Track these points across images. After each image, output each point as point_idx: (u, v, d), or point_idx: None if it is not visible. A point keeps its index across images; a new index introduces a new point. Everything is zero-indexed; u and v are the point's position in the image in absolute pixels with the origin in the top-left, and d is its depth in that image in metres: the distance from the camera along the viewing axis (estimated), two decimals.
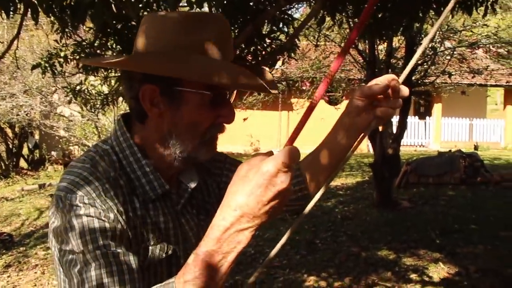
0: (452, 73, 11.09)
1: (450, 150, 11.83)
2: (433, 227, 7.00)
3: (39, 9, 2.93)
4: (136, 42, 1.13)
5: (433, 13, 4.25)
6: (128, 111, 1.21)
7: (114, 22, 3.49)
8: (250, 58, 3.92)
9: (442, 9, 3.89)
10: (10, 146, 16.98)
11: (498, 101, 34.63)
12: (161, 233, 1.13)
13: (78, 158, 1.12)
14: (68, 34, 4.54)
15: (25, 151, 17.65)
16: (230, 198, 0.85)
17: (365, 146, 19.02)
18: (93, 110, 7.97)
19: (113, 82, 5.96)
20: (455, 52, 11.53)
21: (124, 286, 0.95)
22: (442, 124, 20.31)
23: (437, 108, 20.31)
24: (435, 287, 4.95)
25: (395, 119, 8.94)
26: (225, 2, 3.47)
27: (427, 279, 5.20)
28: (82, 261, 0.95)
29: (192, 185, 1.24)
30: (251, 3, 3.67)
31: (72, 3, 2.94)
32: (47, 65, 5.29)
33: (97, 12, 2.81)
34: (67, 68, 6.98)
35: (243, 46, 3.76)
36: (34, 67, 5.36)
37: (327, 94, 17.78)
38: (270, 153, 0.87)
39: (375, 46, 8.50)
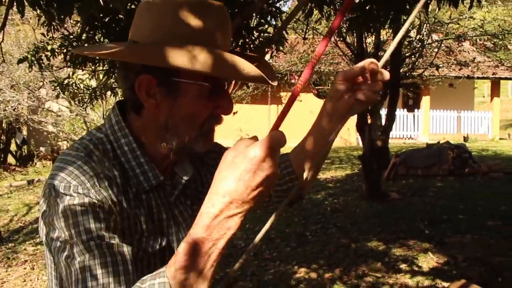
0: (440, 66, 11.15)
1: (438, 142, 11.91)
2: (422, 217, 7.05)
3: (25, 2, 2.91)
4: (132, 30, 1.10)
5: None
6: (123, 99, 1.19)
7: (101, 15, 3.47)
8: (238, 50, 3.92)
9: (428, 1, 3.91)
10: None
11: (485, 93, 34.91)
12: (154, 224, 1.13)
13: (72, 145, 1.09)
14: (55, 28, 4.51)
15: (13, 147, 17.49)
16: (218, 185, 0.85)
17: (354, 139, 19.09)
18: (81, 105, 7.92)
19: (101, 76, 5.93)
20: (442, 45, 11.60)
21: (118, 277, 0.94)
22: (431, 116, 20.42)
23: (425, 100, 20.41)
24: (424, 277, 4.99)
25: (383, 112, 8.95)
26: None
27: (416, 268, 5.24)
28: (76, 251, 0.94)
29: (186, 177, 1.23)
30: None
31: None
32: (33, 58, 5.25)
33: (84, 5, 2.79)
34: (54, 62, 6.93)
35: (231, 39, 3.75)
36: (20, 61, 5.31)
37: (316, 88, 17.80)
38: (255, 138, 0.87)
39: (363, 39, 8.52)
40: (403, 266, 5.34)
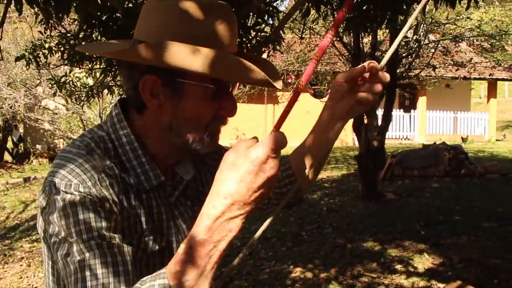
0: (437, 66, 11.16)
1: (434, 143, 11.92)
2: (418, 218, 7.07)
3: (23, 0, 2.90)
4: (138, 28, 1.08)
5: (416, 6, 4.27)
6: (124, 96, 1.19)
7: (99, 13, 3.47)
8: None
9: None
10: None
11: (482, 94, 34.97)
12: (154, 225, 1.12)
13: (73, 142, 1.08)
14: (53, 26, 4.49)
15: (9, 144, 17.48)
16: (219, 186, 0.85)
17: (350, 139, 19.11)
18: (78, 103, 7.91)
19: (98, 74, 5.92)
20: (439, 45, 11.60)
21: (118, 277, 0.94)
22: (427, 117, 20.43)
23: (421, 101, 20.41)
24: (420, 278, 5.00)
25: (380, 112, 8.96)
26: None
27: (412, 269, 5.25)
28: (76, 250, 0.93)
29: (188, 177, 1.22)
30: None
31: None
32: (31, 56, 5.24)
33: (82, 3, 2.79)
34: (51, 60, 6.92)
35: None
36: (18, 59, 5.30)
37: (313, 87, 17.80)
38: (255, 139, 0.86)
39: (360, 39, 8.52)
40: (398, 266, 5.35)
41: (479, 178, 9.93)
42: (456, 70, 13.20)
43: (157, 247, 1.12)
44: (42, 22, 4.46)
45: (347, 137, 19.30)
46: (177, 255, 0.86)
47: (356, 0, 3.58)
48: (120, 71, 1.16)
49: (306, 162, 1.31)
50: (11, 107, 14.75)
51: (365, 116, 8.45)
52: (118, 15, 3.47)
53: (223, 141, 1.22)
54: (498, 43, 13.05)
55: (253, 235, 0.93)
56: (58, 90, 6.49)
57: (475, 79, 19.00)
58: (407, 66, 10.06)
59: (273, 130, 0.86)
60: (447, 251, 5.65)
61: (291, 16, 3.94)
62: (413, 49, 9.96)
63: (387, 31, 8.64)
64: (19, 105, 14.97)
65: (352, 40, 8.79)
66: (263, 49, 4.32)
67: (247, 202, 0.84)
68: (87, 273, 0.92)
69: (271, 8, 4.02)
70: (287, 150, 1.02)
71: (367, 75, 1.10)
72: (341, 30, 8.52)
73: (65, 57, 4.86)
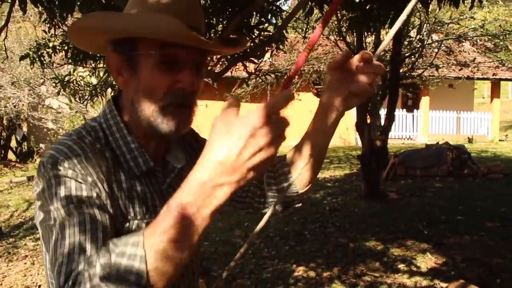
0: (440, 66, 11.15)
1: (437, 143, 11.91)
2: (421, 218, 7.07)
3: (27, 0, 2.92)
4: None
5: (420, 5, 4.28)
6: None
7: None
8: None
9: (429, 1, 3.92)
10: None
11: (485, 94, 34.89)
12: (148, 210, 1.14)
13: (67, 132, 1.13)
14: (57, 25, 4.51)
15: (13, 143, 17.50)
16: (209, 151, 0.80)
17: (353, 139, 19.09)
18: (81, 102, 7.93)
19: (101, 73, 5.94)
20: (442, 45, 11.59)
21: (96, 243, 0.92)
22: (430, 117, 20.38)
23: (424, 101, 20.37)
24: (422, 277, 5.00)
25: (383, 112, 8.96)
26: None
27: (414, 269, 5.25)
28: (57, 218, 0.95)
29: (179, 165, 1.24)
30: None
31: None
32: (35, 55, 5.26)
33: (86, 2, 2.81)
34: (55, 59, 6.94)
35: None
36: (22, 58, 5.32)
37: (315, 87, 17.79)
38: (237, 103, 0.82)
39: (363, 38, 8.52)
40: (401, 266, 5.35)
41: (482, 178, 9.92)
42: (459, 70, 13.20)
43: None
44: (46, 21, 4.48)
45: (350, 137, 19.29)
46: (158, 217, 0.84)
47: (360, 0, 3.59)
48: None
49: (303, 157, 1.28)
50: (15, 106, 14.77)
51: (368, 116, 8.45)
52: None
53: None
54: (501, 42, 13.04)
55: (256, 235, 0.93)
56: (62, 89, 6.51)
57: (478, 79, 18.97)
58: (410, 65, 10.06)
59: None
60: (450, 251, 5.65)
61: (294, 15, 3.95)
62: (416, 49, 9.96)
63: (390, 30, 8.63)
64: (23, 104, 14.99)
65: (355, 39, 8.78)
66: (266, 49, 4.33)
67: (237, 170, 0.78)
68: (68, 241, 0.92)
69: (274, 8, 4.03)
70: (284, 150, 1.01)
71: (361, 64, 1.08)
72: (344, 30, 8.55)
73: (69, 56, 4.88)
